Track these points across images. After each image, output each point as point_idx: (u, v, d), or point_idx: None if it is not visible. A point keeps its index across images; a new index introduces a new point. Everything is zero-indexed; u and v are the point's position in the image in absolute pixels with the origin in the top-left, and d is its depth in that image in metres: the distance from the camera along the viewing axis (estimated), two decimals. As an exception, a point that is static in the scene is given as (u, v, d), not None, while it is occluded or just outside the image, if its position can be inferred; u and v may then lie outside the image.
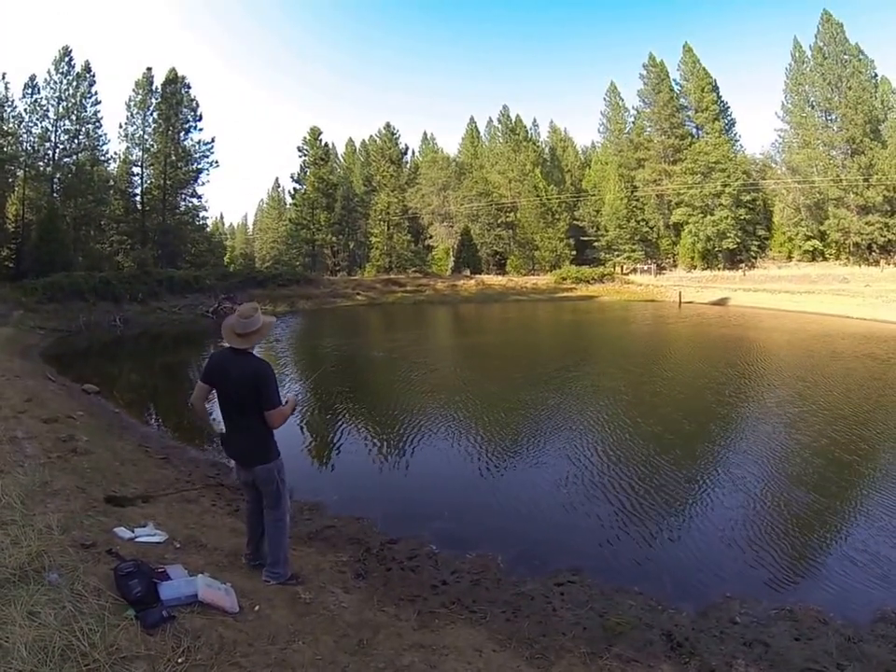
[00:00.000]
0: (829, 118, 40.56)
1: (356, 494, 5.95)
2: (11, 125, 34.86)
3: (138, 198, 40.87)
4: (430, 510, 5.45)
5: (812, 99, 41.45)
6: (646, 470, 6.39)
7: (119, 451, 6.08)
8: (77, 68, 37.08)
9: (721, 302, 31.90)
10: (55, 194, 36.27)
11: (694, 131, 47.99)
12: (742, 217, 42.76)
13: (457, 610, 3.52)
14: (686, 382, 11.89)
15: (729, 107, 48.40)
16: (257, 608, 2.83)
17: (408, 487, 6.28)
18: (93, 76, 37.75)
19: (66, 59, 36.56)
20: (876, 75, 40.45)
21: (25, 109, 35.48)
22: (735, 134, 48.30)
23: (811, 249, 41.01)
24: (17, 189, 35.28)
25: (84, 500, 4.02)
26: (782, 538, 4.82)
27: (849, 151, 38.63)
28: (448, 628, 3.21)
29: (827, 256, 40.78)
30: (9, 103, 35.10)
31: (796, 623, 3.52)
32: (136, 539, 3.46)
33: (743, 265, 43.31)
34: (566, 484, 6.03)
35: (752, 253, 44.13)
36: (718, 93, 47.06)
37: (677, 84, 48.57)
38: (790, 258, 42.59)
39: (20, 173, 35.18)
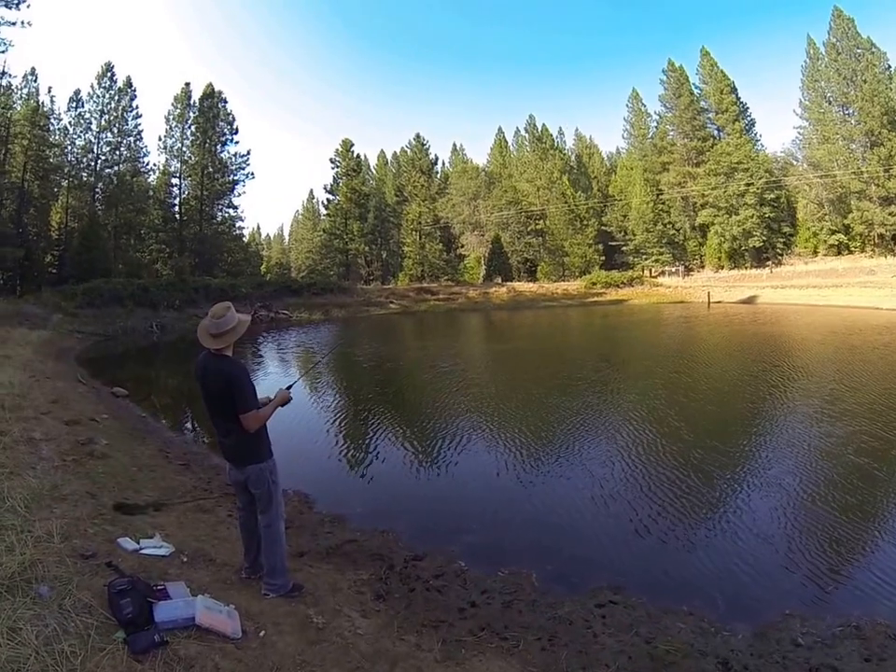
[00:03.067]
0: (846, 112, 40.72)
1: (381, 505, 5.59)
2: (57, 137, 36.70)
3: (176, 208, 42.21)
4: (460, 522, 5.06)
5: (829, 94, 41.63)
6: (686, 476, 5.90)
7: (137, 456, 5.92)
8: (119, 83, 38.80)
9: (750, 301, 31.70)
10: (97, 203, 37.91)
11: (716, 132, 48.34)
12: (767, 216, 42.84)
13: (487, 638, 3.13)
14: (720, 380, 11.29)
15: (748, 108, 48.60)
16: (262, 633, 2.53)
17: (437, 498, 5.87)
18: (134, 90, 39.48)
19: (108, 74, 38.33)
20: (890, 66, 40.08)
21: (70, 122, 37.43)
22: (755, 134, 48.49)
23: (836, 243, 40.95)
24: (61, 198, 36.93)
25: (92, 507, 3.82)
26: (840, 544, 4.34)
27: (868, 144, 38.55)
28: (475, 660, 2.85)
29: (852, 249, 40.58)
30: (55, 116, 37.00)
31: (865, 642, 3.11)
32: (141, 552, 3.22)
33: (770, 263, 43.35)
34: (602, 493, 5.59)
35: (778, 250, 44.14)
36: (737, 94, 47.35)
37: (696, 87, 49.11)
38: (815, 253, 42.45)
39: (64, 183, 36.88)
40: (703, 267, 48.02)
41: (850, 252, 40.35)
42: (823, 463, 6.08)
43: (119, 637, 2.20)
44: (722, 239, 44.57)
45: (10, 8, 26.20)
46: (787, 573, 3.99)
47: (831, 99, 41.41)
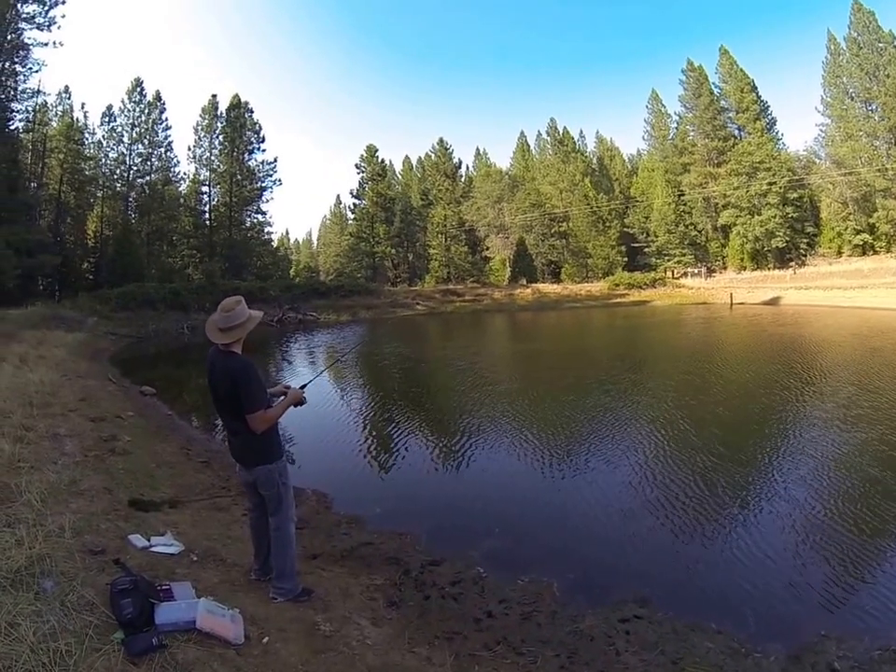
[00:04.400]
0: (869, 108, 39.60)
1: (400, 506, 5.48)
2: (91, 150, 38.46)
3: (206, 215, 43.31)
4: (480, 525, 4.89)
5: (851, 91, 40.53)
6: (712, 483, 5.62)
7: (159, 452, 5.94)
8: (149, 97, 40.24)
9: (773, 302, 31.11)
10: (130, 212, 39.35)
11: (737, 132, 47.45)
12: (790, 215, 41.89)
13: (502, 653, 2.96)
14: (744, 382, 10.91)
15: (769, 106, 47.39)
16: (265, 639, 2.41)
17: (458, 499, 5.71)
18: (163, 103, 40.89)
19: (138, 89, 39.82)
20: (913, 60, 38.57)
21: (103, 136, 39.12)
22: (777, 132, 47.35)
23: (861, 243, 39.70)
24: (96, 207, 38.46)
25: (108, 502, 3.80)
26: (876, 561, 4.06)
27: (893, 140, 37.49)
28: (489, 677, 2.68)
29: (878, 249, 39.18)
30: (90, 130, 38.85)
31: (905, 668, 2.85)
32: (150, 549, 3.16)
33: (793, 263, 42.41)
34: (624, 499, 5.37)
35: (802, 251, 43.21)
36: (757, 93, 46.29)
37: (716, 87, 48.35)
38: (840, 253, 41.27)
39: (98, 193, 38.47)
40: (725, 268, 47.42)
41: (876, 252, 39.06)
42: (857, 474, 5.70)
43: (117, 638, 2.12)
44: (745, 240, 43.87)
45: (42, 30, 27.73)
46: (820, 590, 3.73)
47: (853, 95, 40.31)
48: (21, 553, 2.57)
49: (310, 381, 3.47)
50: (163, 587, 2.55)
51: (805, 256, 42.98)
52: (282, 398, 3.12)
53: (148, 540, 3.25)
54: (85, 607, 2.29)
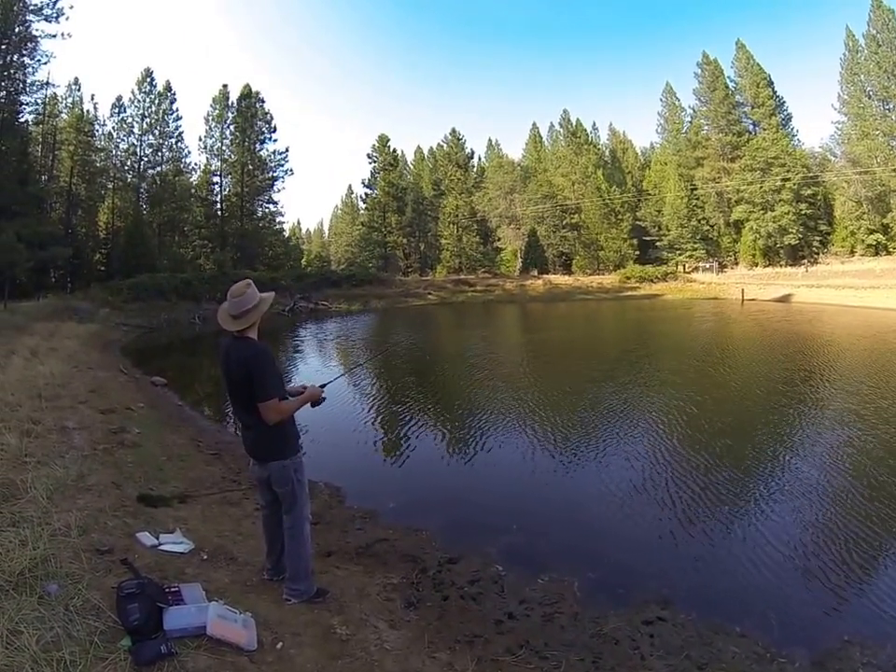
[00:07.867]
0: (887, 107, 38.69)
1: (415, 500, 5.37)
2: (102, 142, 38.44)
3: (218, 205, 43.16)
4: (498, 521, 4.77)
5: (869, 89, 39.57)
6: (733, 482, 5.47)
7: (169, 445, 5.85)
8: (159, 87, 40.00)
9: (784, 299, 31.13)
10: (141, 203, 39.29)
11: (751, 127, 46.69)
12: (803, 212, 41.25)
13: (525, 657, 2.84)
14: (763, 378, 10.77)
15: (785, 102, 46.63)
16: (279, 645, 2.30)
17: (473, 494, 5.59)
18: (174, 94, 40.57)
19: (148, 79, 39.58)
20: (933, 59, 37.60)
21: (114, 127, 39.05)
22: (792, 129, 46.64)
23: (874, 243, 38.87)
24: (107, 199, 38.48)
25: (116, 498, 3.70)
26: None
27: None
28: (514, 683, 2.55)
29: (891, 249, 38.40)
30: (100, 122, 38.80)
31: (929, 675, 2.75)
32: (159, 547, 3.06)
33: (805, 261, 41.84)
34: (648, 496, 5.23)
35: (814, 248, 42.55)
36: (773, 88, 45.52)
37: (731, 81, 47.47)
38: (852, 252, 40.57)
39: (109, 184, 38.46)
40: (737, 264, 46.92)
41: (889, 253, 38.29)
42: (883, 477, 5.47)
43: (125, 646, 2.01)
44: (757, 236, 43.28)
45: (49, 22, 27.59)
46: (844, 593, 3.63)
47: (871, 93, 39.35)
48: (25, 553, 2.47)
49: (331, 380, 3.30)
50: (172, 589, 2.44)
51: (818, 254, 42.46)
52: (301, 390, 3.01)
53: (157, 538, 3.15)
54: (91, 611, 2.19)
